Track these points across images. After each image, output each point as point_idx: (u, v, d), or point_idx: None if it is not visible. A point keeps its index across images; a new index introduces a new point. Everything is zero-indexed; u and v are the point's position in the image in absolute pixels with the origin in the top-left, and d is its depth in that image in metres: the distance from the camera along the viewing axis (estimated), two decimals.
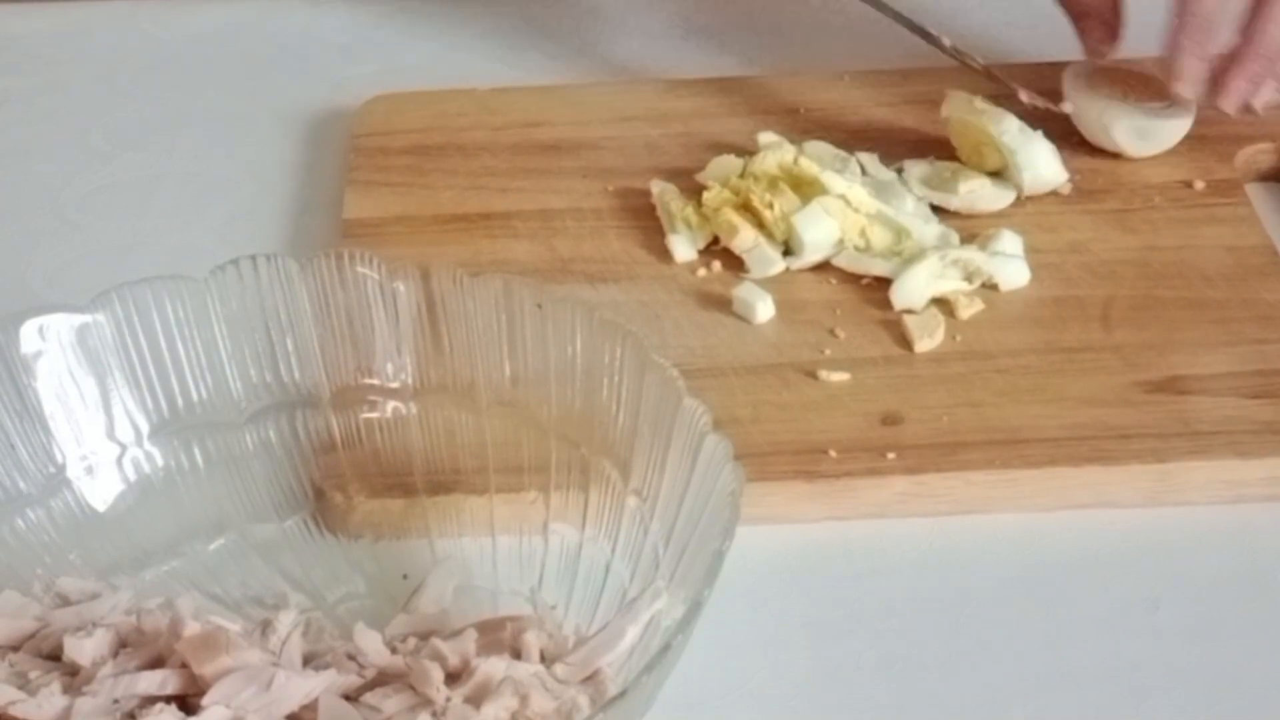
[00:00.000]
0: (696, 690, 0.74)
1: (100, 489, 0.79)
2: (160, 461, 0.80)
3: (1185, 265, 0.92)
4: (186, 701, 0.69)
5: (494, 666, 0.70)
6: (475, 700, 0.69)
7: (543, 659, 0.72)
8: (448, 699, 0.69)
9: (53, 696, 0.69)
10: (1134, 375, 0.86)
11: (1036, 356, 0.87)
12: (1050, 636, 0.77)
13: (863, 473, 0.81)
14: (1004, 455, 0.81)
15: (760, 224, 0.93)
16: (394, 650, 0.73)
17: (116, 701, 0.69)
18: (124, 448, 0.80)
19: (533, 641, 0.72)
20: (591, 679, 0.70)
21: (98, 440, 0.79)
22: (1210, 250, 0.93)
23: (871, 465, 0.82)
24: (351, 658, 0.72)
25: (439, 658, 0.71)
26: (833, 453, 0.82)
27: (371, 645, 0.72)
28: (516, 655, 0.72)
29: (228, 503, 0.80)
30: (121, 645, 0.72)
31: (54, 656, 0.73)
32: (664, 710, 0.70)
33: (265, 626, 0.72)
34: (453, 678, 0.70)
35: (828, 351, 0.87)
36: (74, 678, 0.71)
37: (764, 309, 0.89)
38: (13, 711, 0.69)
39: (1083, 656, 0.76)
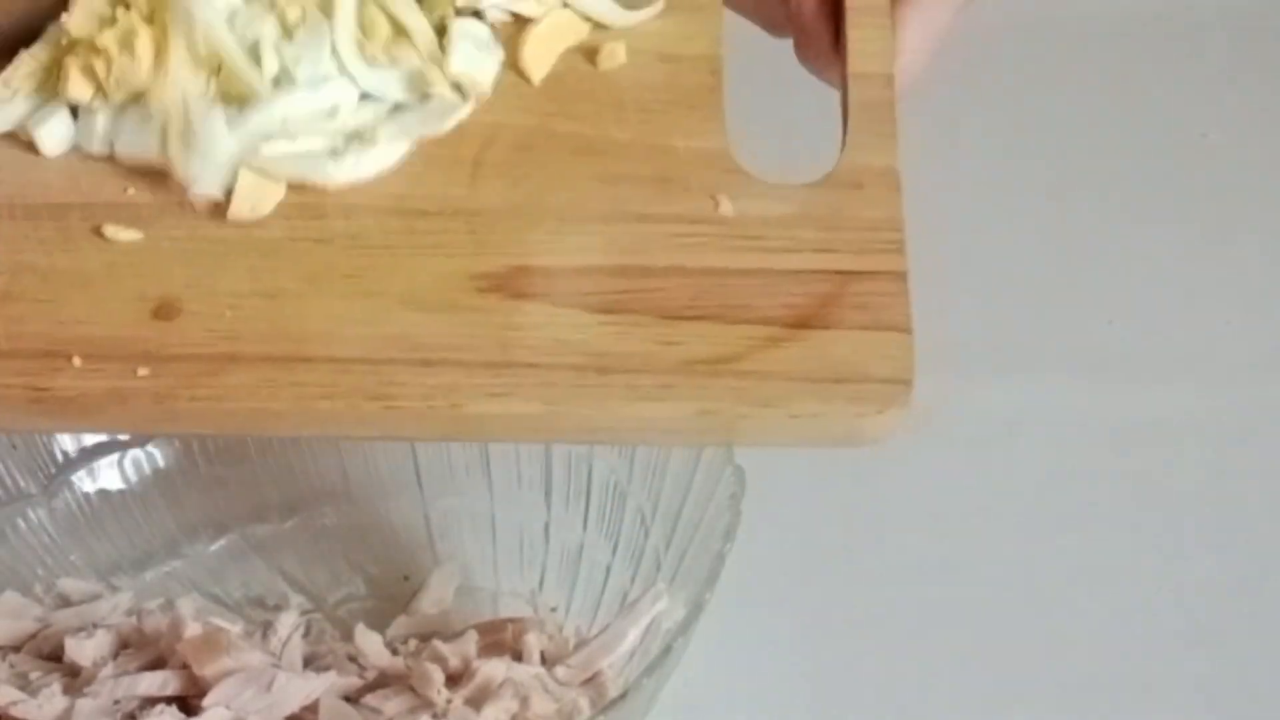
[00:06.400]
0: (698, 693, 0.74)
1: (101, 489, 0.79)
2: (161, 462, 0.80)
3: (606, 82, 0.68)
4: (187, 703, 0.69)
5: (495, 668, 0.70)
6: (476, 702, 0.69)
7: (543, 661, 0.72)
8: (448, 701, 0.69)
9: (54, 697, 0.69)
10: (475, 261, 0.63)
11: (376, 219, 0.64)
12: (1052, 639, 0.77)
13: (101, 395, 0.61)
14: (274, 381, 0.61)
15: None
16: (395, 652, 0.73)
17: (117, 702, 0.69)
18: (125, 448, 0.80)
19: (533, 643, 0.72)
20: (592, 681, 0.70)
21: (99, 440, 0.79)
22: (646, 58, 0.68)
23: (115, 385, 0.61)
24: (352, 659, 0.72)
25: (440, 659, 0.71)
26: (77, 360, 0.61)
27: (372, 647, 0.72)
28: (517, 657, 0.72)
29: (229, 503, 0.80)
30: (122, 646, 0.72)
31: (55, 657, 0.73)
32: (665, 713, 0.70)
33: (266, 628, 0.72)
34: (453, 679, 0.70)
35: (131, 191, 0.65)
36: (75, 678, 0.71)
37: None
38: (14, 712, 0.69)
39: (1084, 659, 0.76)
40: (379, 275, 0.63)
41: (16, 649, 0.73)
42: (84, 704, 0.69)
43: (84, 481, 0.79)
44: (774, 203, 0.64)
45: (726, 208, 0.64)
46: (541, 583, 0.77)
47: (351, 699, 0.70)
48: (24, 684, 0.71)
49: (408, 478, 0.80)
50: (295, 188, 0.64)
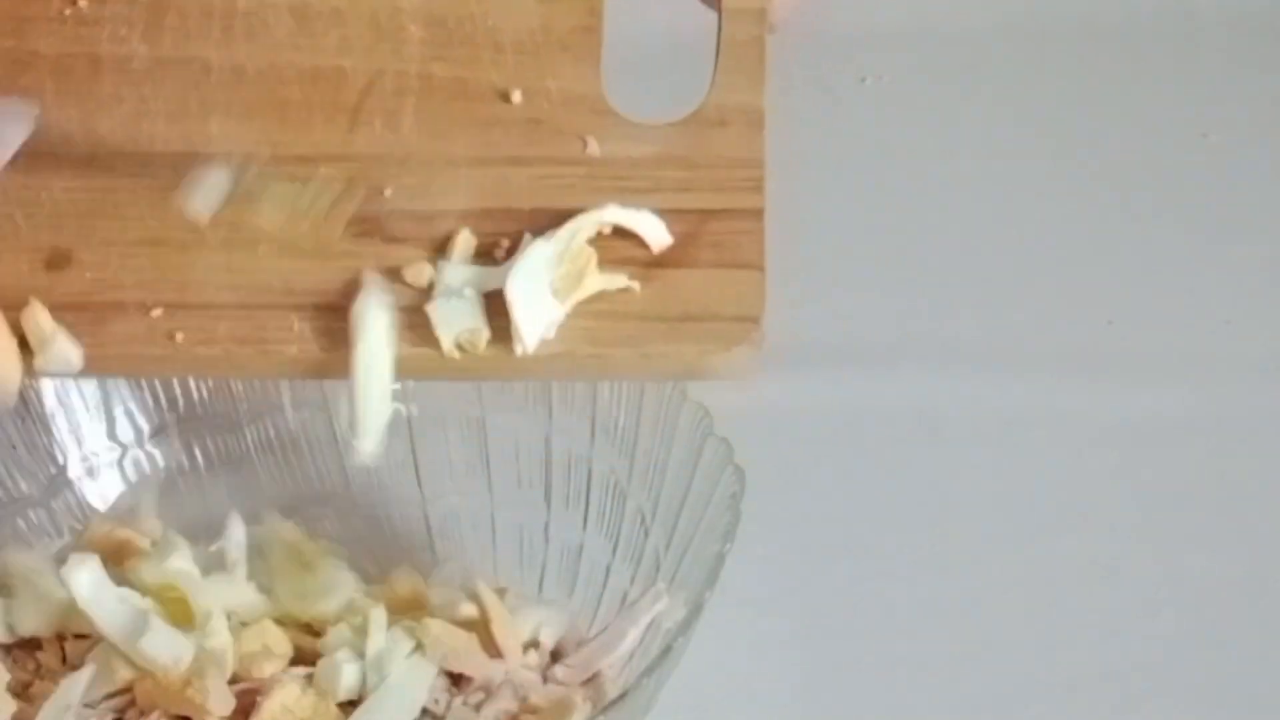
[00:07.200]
0: (698, 693, 0.74)
1: (101, 490, 0.79)
2: (161, 462, 0.80)
3: (486, 25, 0.68)
4: None
5: (495, 668, 0.70)
6: (476, 702, 0.69)
7: None
8: (448, 701, 0.69)
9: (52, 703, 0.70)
10: (349, 207, 0.65)
11: (257, 167, 0.66)
12: (1052, 639, 0.77)
13: None
14: (154, 328, 0.63)
15: None
16: None
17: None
18: (125, 448, 0.80)
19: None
20: (592, 681, 0.70)
21: (99, 441, 0.79)
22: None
23: None
24: None
25: None
26: None
27: None
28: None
29: (229, 503, 0.80)
30: None
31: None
32: (665, 713, 0.70)
33: None
34: (454, 680, 0.70)
35: None
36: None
37: None
38: None
39: (1084, 659, 0.76)
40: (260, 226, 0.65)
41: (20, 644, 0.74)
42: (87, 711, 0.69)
43: (84, 481, 0.79)
44: (640, 143, 0.66)
45: (594, 149, 0.66)
46: (541, 583, 0.77)
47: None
48: (30, 678, 0.71)
49: (408, 478, 0.80)
50: None
